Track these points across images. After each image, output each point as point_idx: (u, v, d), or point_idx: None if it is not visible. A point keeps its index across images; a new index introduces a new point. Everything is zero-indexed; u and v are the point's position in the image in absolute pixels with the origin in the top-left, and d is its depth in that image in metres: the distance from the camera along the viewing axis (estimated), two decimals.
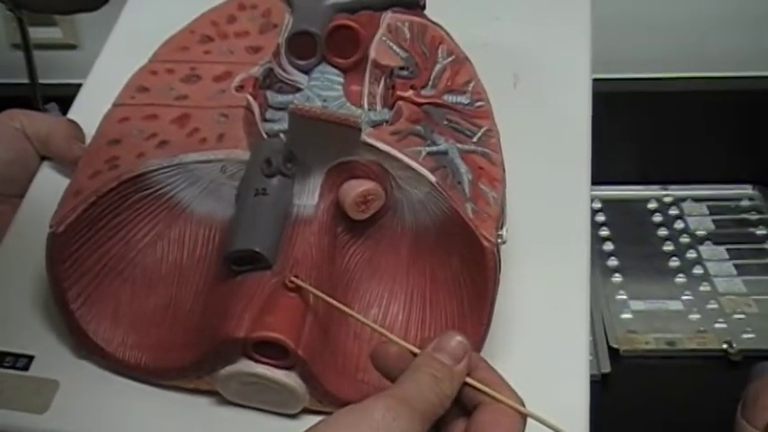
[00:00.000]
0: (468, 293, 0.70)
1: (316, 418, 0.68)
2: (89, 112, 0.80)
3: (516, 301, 0.73)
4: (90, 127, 0.78)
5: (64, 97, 0.86)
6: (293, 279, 0.67)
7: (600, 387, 1.28)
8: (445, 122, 0.74)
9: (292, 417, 0.69)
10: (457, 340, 0.60)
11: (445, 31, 0.82)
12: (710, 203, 1.57)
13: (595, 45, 0.90)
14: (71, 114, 0.87)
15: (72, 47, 1.51)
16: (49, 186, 0.78)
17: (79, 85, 0.89)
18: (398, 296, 0.72)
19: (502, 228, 0.69)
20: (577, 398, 0.70)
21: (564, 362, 0.72)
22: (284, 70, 0.80)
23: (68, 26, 1.50)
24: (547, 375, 0.70)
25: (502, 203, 0.71)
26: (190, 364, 0.68)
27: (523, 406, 0.59)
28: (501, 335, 0.71)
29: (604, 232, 1.51)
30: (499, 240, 0.69)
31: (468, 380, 0.60)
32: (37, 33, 1.39)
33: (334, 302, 0.66)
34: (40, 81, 1.35)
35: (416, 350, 0.61)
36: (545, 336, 0.73)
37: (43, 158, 0.83)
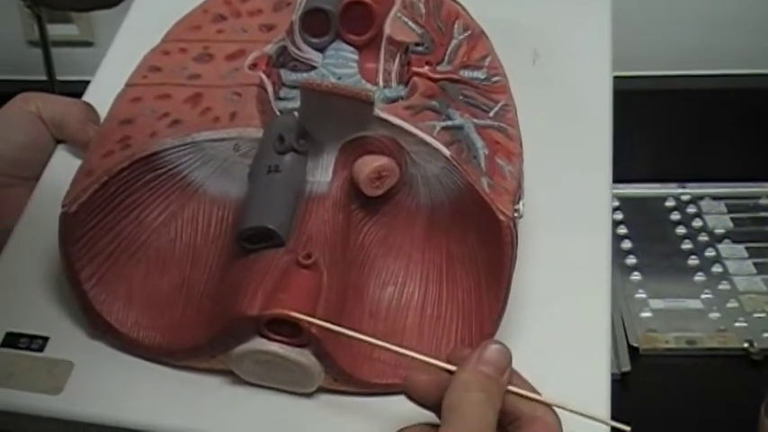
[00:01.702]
0: (484, 270, 0.69)
1: (331, 398, 0.68)
2: (100, 101, 0.80)
3: (535, 281, 0.72)
4: (103, 115, 0.78)
5: (80, 94, 0.86)
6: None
7: (620, 386, 1.27)
8: (461, 98, 0.73)
9: (308, 396, 0.68)
10: (497, 349, 0.59)
11: (461, 6, 0.82)
12: (728, 201, 1.56)
13: (612, 42, 0.89)
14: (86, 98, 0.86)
15: (88, 44, 1.52)
16: (63, 169, 0.78)
17: None
18: (414, 274, 0.71)
19: (519, 202, 0.69)
20: (597, 381, 0.69)
21: (583, 343, 0.70)
22: (298, 48, 0.80)
23: (85, 23, 1.51)
24: (565, 357, 0.69)
25: (519, 178, 0.70)
26: (203, 344, 0.68)
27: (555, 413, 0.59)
28: (518, 315, 0.70)
29: (622, 230, 1.50)
30: (516, 215, 0.68)
31: (511, 388, 0.59)
32: (53, 30, 1.39)
33: (341, 329, 0.64)
34: (57, 78, 1.36)
35: (451, 367, 0.60)
36: (564, 318, 0.71)
37: (59, 141, 0.83)
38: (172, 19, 0.83)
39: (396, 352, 0.63)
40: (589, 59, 0.87)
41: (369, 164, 0.70)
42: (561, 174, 0.78)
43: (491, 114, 0.73)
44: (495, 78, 0.76)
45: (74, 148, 0.82)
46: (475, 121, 0.72)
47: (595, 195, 0.78)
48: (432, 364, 0.61)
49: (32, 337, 0.71)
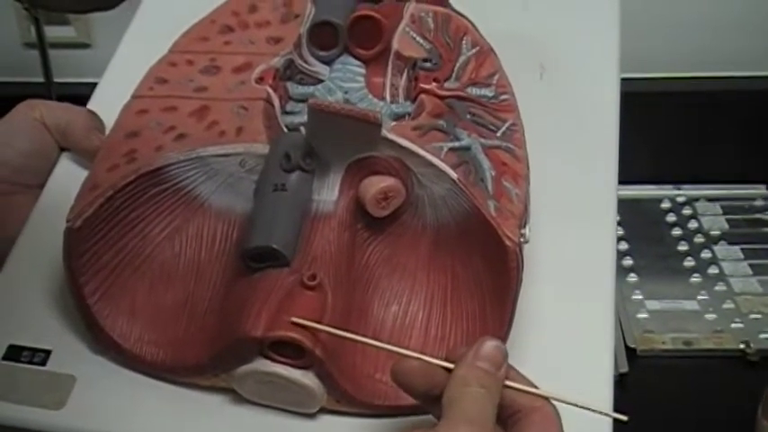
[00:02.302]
0: (489, 293, 0.69)
1: (333, 418, 0.68)
2: (105, 108, 0.79)
3: (539, 301, 0.72)
4: (108, 121, 0.77)
5: (77, 96, 0.86)
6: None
7: (617, 387, 1.26)
8: (468, 116, 0.73)
9: (310, 416, 0.68)
10: (493, 345, 0.61)
11: (470, 22, 0.81)
12: (724, 203, 1.56)
13: (620, 55, 0.89)
14: (90, 107, 0.85)
15: (85, 46, 1.50)
16: (68, 178, 0.78)
17: (92, 84, 0.88)
18: (419, 294, 0.71)
19: (525, 226, 0.68)
20: (601, 400, 0.69)
21: (587, 364, 0.70)
22: (305, 61, 0.79)
23: (82, 25, 1.50)
24: (569, 378, 0.68)
25: (525, 201, 0.69)
26: (206, 362, 0.67)
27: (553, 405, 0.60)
28: (523, 336, 0.70)
29: (618, 232, 1.49)
30: (522, 239, 0.67)
31: (509, 383, 0.60)
32: (50, 32, 1.38)
33: (343, 333, 0.64)
34: (54, 80, 1.35)
35: (448, 365, 0.61)
36: (567, 337, 0.71)
37: (63, 149, 0.82)
38: (178, 23, 0.82)
39: (395, 352, 0.63)
40: (597, 72, 0.87)
41: (375, 184, 0.70)
42: (566, 191, 0.78)
43: (498, 134, 0.73)
44: (502, 96, 0.75)
45: (78, 156, 0.82)
46: (482, 141, 0.71)
47: (601, 207, 0.78)
48: (430, 363, 0.61)
49: (35, 351, 0.71)
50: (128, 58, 0.89)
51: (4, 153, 0.80)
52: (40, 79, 1.37)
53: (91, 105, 0.85)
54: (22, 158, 0.81)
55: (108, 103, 0.78)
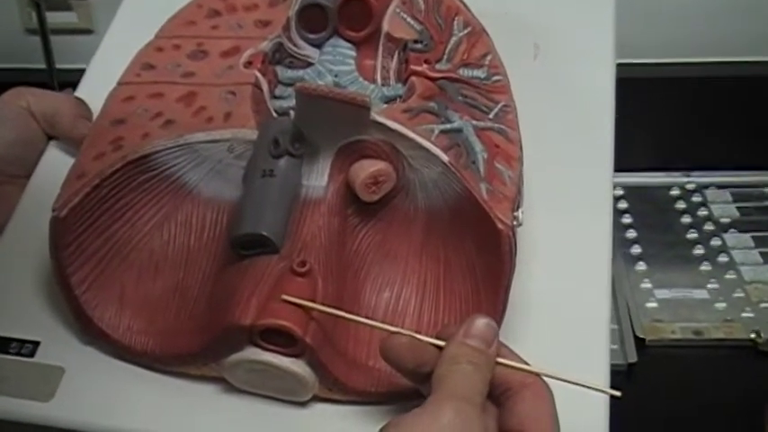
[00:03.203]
0: (482, 278, 0.67)
1: (325, 406, 0.67)
2: (95, 92, 0.78)
3: (533, 284, 0.71)
4: (97, 106, 0.76)
5: (78, 83, 0.85)
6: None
7: (626, 377, 1.26)
8: (460, 98, 0.72)
9: (301, 404, 0.67)
10: (484, 323, 0.61)
11: (462, 2, 0.80)
12: (734, 190, 1.54)
13: (615, 35, 0.88)
14: (78, 93, 0.85)
15: (88, 31, 1.50)
16: (55, 167, 0.77)
17: None
18: (411, 280, 0.70)
19: (518, 209, 0.67)
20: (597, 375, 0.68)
21: (582, 348, 0.69)
22: (295, 44, 0.78)
23: (83, 11, 1.49)
24: (564, 363, 0.67)
25: (518, 183, 0.68)
26: (196, 352, 0.67)
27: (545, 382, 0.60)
28: (517, 320, 0.69)
29: (627, 220, 1.48)
30: (515, 222, 0.66)
31: (501, 360, 0.60)
32: (52, 18, 1.38)
33: (335, 312, 0.64)
34: (56, 66, 1.34)
35: (439, 342, 0.61)
36: (563, 321, 0.70)
37: (50, 138, 0.82)
38: (168, 7, 0.81)
39: (386, 330, 0.62)
40: (592, 53, 0.85)
41: (365, 168, 0.69)
42: (560, 173, 0.77)
43: (491, 116, 0.71)
44: (495, 78, 0.74)
45: (66, 144, 0.81)
46: (474, 122, 0.70)
47: (596, 190, 0.77)
48: (421, 340, 0.61)
49: (23, 342, 0.70)
50: (117, 42, 0.88)
51: None
52: (42, 65, 1.36)
53: (80, 89, 0.85)
54: (8, 148, 0.80)
55: (98, 86, 0.77)
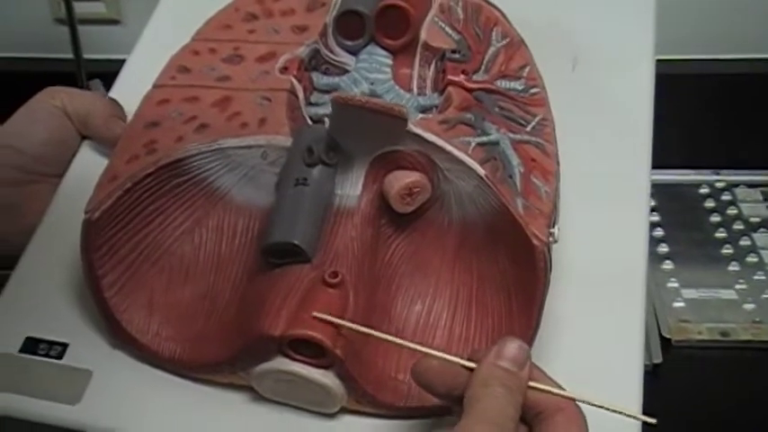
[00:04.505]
0: (516, 293, 0.67)
1: (354, 419, 0.67)
2: (132, 89, 0.78)
3: (568, 302, 0.70)
4: (133, 105, 0.76)
5: (106, 73, 0.85)
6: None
7: (651, 377, 1.25)
8: (497, 110, 0.71)
9: (330, 416, 0.67)
10: (517, 345, 0.60)
11: (501, 12, 0.79)
12: (764, 189, 1.52)
13: (655, 45, 0.87)
14: (114, 92, 0.85)
15: (115, 22, 1.50)
16: (88, 167, 0.77)
17: (121, 61, 0.87)
18: (443, 293, 0.70)
19: (554, 225, 0.66)
20: (630, 403, 0.67)
21: (615, 367, 0.68)
22: (331, 51, 0.78)
23: (112, 1, 1.49)
24: (597, 380, 0.66)
25: (554, 199, 0.67)
26: (224, 360, 0.66)
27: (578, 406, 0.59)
28: (550, 338, 0.68)
29: (655, 218, 1.47)
30: (550, 239, 0.65)
31: (533, 384, 0.59)
32: (80, 8, 1.37)
33: (366, 330, 0.63)
34: (83, 56, 1.34)
35: (471, 364, 0.60)
36: (596, 339, 0.69)
37: (84, 138, 0.81)
38: (205, 8, 0.81)
39: (416, 350, 0.61)
40: (631, 66, 0.84)
41: (400, 179, 0.68)
42: (597, 188, 0.76)
43: (528, 129, 0.71)
44: (533, 90, 0.73)
45: (99, 144, 0.80)
46: (511, 135, 0.69)
47: (633, 208, 0.76)
48: (453, 362, 0.60)
49: (52, 344, 0.70)
50: (155, 39, 0.88)
51: (22, 141, 0.79)
52: (70, 56, 1.36)
53: (116, 87, 0.85)
54: (41, 147, 0.80)
55: (134, 85, 0.77)
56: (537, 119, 0.71)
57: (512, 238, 0.66)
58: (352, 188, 0.69)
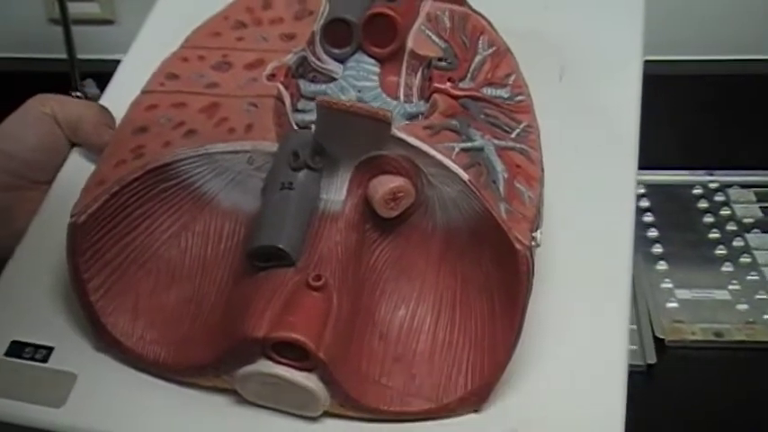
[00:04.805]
0: (499, 297, 0.67)
1: (337, 422, 0.67)
2: (127, 91, 0.78)
3: (551, 306, 0.70)
4: (127, 107, 0.76)
5: (100, 73, 0.85)
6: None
7: (645, 378, 1.26)
8: (482, 117, 0.72)
9: (313, 420, 0.67)
10: None
11: (487, 21, 0.80)
12: (758, 190, 1.53)
13: (642, 56, 0.87)
14: (108, 93, 0.85)
15: (109, 22, 1.50)
16: (78, 173, 0.76)
17: (116, 62, 0.87)
18: (427, 297, 0.70)
19: (537, 230, 0.67)
20: (612, 411, 0.67)
21: (598, 373, 0.68)
22: (318, 59, 0.78)
23: (106, 1, 1.49)
24: (579, 386, 0.67)
25: (538, 204, 0.68)
26: (209, 363, 0.67)
27: None
28: (533, 342, 0.68)
29: (648, 218, 1.48)
30: (533, 243, 0.66)
31: None
32: (74, 8, 1.38)
33: None
34: (77, 57, 1.34)
35: None
36: (579, 345, 0.70)
37: (74, 145, 0.82)
38: (202, 7, 0.82)
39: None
40: (618, 75, 0.84)
41: (384, 184, 0.68)
42: (582, 195, 0.77)
43: (513, 135, 0.71)
44: (518, 98, 0.74)
45: (89, 151, 0.81)
46: (496, 141, 0.70)
47: (618, 221, 0.76)
48: None
49: (37, 347, 0.71)
50: (148, 43, 0.88)
51: (13, 147, 0.79)
52: (64, 56, 1.36)
53: (109, 91, 0.85)
54: (31, 153, 0.80)
55: (127, 90, 0.77)
56: (522, 126, 0.72)
57: (495, 242, 0.66)
58: (336, 193, 0.69)
